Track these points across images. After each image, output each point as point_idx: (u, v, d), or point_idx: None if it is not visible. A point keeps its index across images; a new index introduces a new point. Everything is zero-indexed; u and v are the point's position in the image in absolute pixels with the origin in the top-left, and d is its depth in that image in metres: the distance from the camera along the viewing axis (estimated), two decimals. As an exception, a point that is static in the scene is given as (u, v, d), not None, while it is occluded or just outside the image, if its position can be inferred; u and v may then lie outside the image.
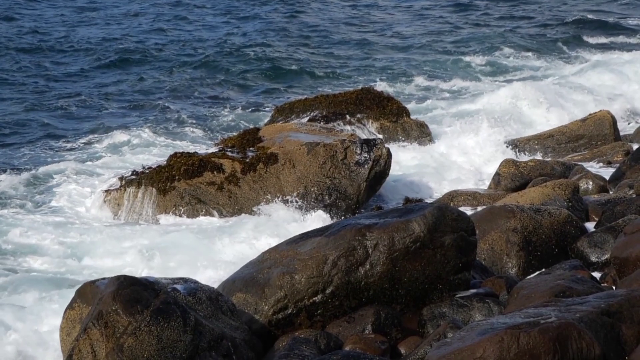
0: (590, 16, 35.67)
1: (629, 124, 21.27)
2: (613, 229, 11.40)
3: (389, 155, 16.01)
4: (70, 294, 9.53)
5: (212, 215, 15.16)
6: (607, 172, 15.83)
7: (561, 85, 23.53)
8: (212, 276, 11.86)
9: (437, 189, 16.55)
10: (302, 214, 14.89)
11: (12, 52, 29.61)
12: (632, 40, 32.01)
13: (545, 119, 20.61)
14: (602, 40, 32.06)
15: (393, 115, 19.29)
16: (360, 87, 21.56)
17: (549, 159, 17.18)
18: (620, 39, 32.34)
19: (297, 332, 9.32)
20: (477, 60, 28.85)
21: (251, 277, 9.77)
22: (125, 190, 15.56)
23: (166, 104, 23.70)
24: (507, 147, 18.35)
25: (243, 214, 15.10)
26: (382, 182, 16.00)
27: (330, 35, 32.74)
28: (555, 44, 31.20)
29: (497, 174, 15.71)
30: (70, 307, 9.36)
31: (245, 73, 27.03)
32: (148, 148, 19.81)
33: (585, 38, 32.15)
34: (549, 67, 28.23)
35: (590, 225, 12.60)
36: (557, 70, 27.63)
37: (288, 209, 15.02)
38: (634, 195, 13.16)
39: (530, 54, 29.96)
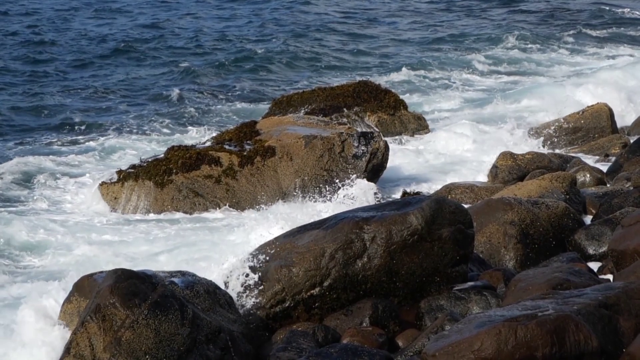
0: (595, 8, 35.49)
1: None
2: (610, 222, 11.41)
3: (387, 147, 16.01)
4: (68, 288, 9.53)
5: (210, 209, 15.15)
6: (604, 165, 15.83)
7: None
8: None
9: (435, 182, 16.53)
10: (299, 207, 14.87)
11: (7, 46, 29.55)
12: (635, 33, 31.79)
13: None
14: (607, 33, 31.73)
15: (390, 108, 19.29)
16: (357, 79, 21.55)
17: (547, 151, 17.17)
18: (630, 31, 32.04)
19: (295, 325, 9.33)
20: (478, 53, 28.59)
21: (249, 270, 9.77)
22: (122, 183, 15.55)
23: (162, 97, 23.67)
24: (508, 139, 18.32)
25: (242, 208, 15.09)
26: (380, 175, 16.00)
27: (328, 28, 32.68)
28: (559, 37, 30.89)
29: (494, 166, 15.71)
30: (67, 300, 9.37)
31: (242, 66, 26.99)
32: (145, 141, 19.79)
33: (590, 31, 31.83)
34: (553, 61, 28.00)
35: (587, 218, 12.61)
36: (561, 66, 27.41)
37: (285, 202, 15.02)
38: (632, 188, 13.16)
39: (534, 47, 29.64)
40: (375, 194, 14.83)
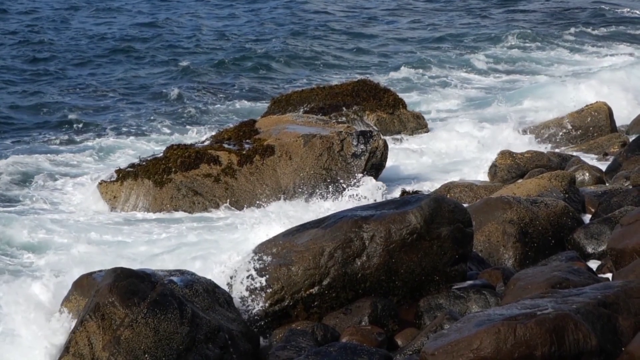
0: (594, 7, 35.44)
1: None
2: (609, 221, 11.41)
3: (386, 146, 16.02)
4: (68, 286, 9.52)
5: (209, 208, 15.15)
6: (603, 164, 15.83)
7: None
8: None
9: (434, 181, 16.52)
10: (298, 205, 14.88)
11: (6, 45, 29.53)
12: (635, 32, 31.74)
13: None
14: (607, 32, 31.66)
15: (390, 106, 19.29)
16: (357, 78, 21.55)
17: (546, 150, 17.17)
18: (629, 30, 31.98)
19: (294, 324, 9.33)
20: (478, 52, 28.50)
21: (248, 269, 9.76)
22: (122, 182, 15.54)
23: (161, 96, 23.66)
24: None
25: (241, 207, 15.09)
26: (379, 174, 16.00)
27: (327, 27, 32.67)
28: (559, 36, 30.80)
29: (493, 165, 15.72)
30: (67, 299, 9.36)
31: (241, 65, 26.99)
32: (143, 140, 19.78)
33: (589, 30, 31.77)
34: (553, 60, 27.92)
35: (586, 217, 12.61)
36: (561, 64, 27.33)
37: (284, 200, 15.02)
38: (631, 187, 13.16)
39: (533, 45, 29.54)
40: (383, 193, 14.83)
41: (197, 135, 19.76)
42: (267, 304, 9.44)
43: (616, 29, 32.12)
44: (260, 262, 9.64)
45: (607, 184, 14.39)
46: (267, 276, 9.50)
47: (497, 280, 9.95)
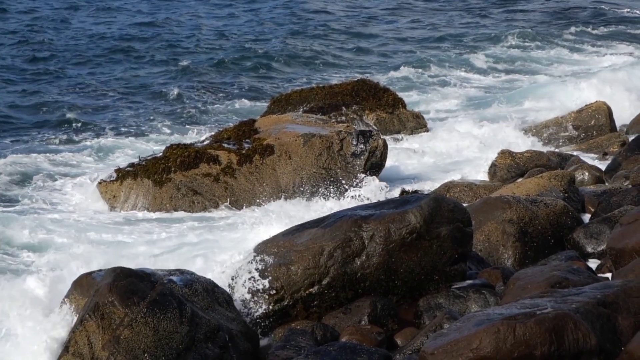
0: (594, 7, 35.44)
1: None
2: (609, 220, 11.41)
3: (385, 146, 16.03)
4: (67, 285, 9.51)
5: (209, 208, 15.14)
6: (603, 163, 15.83)
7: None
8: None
9: (434, 180, 16.52)
10: (299, 205, 14.87)
11: (6, 44, 29.51)
12: (634, 32, 31.72)
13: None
14: (607, 31, 31.63)
15: (389, 106, 19.28)
16: (356, 78, 21.54)
17: (545, 149, 17.17)
18: (629, 30, 31.95)
19: (294, 323, 9.33)
20: (478, 52, 28.45)
21: (247, 268, 9.76)
22: (121, 182, 15.54)
23: (161, 96, 23.64)
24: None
25: (241, 206, 15.09)
26: (379, 173, 16.00)
27: (327, 27, 32.66)
28: (559, 36, 30.76)
29: (493, 164, 15.72)
30: (66, 298, 9.35)
31: (241, 64, 26.98)
32: (143, 140, 19.77)
33: (589, 30, 31.74)
34: (552, 59, 27.89)
35: (586, 216, 12.61)
36: (561, 64, 27.30)
37: (284, 200, 15.02)
38: (630, 186, 13.17)
39: (533, 45, 29.50)
40: (386, 193, 14.82)
41: (197, 135, 19.75)
42: (266, 304, 9.44)
43: (616, 28, 32.09)
44: (259, 261, 9.64)
45: (606, 184, 14.39)
46: (267, 276, 9.50)
47: (496, 280, 9.96)
